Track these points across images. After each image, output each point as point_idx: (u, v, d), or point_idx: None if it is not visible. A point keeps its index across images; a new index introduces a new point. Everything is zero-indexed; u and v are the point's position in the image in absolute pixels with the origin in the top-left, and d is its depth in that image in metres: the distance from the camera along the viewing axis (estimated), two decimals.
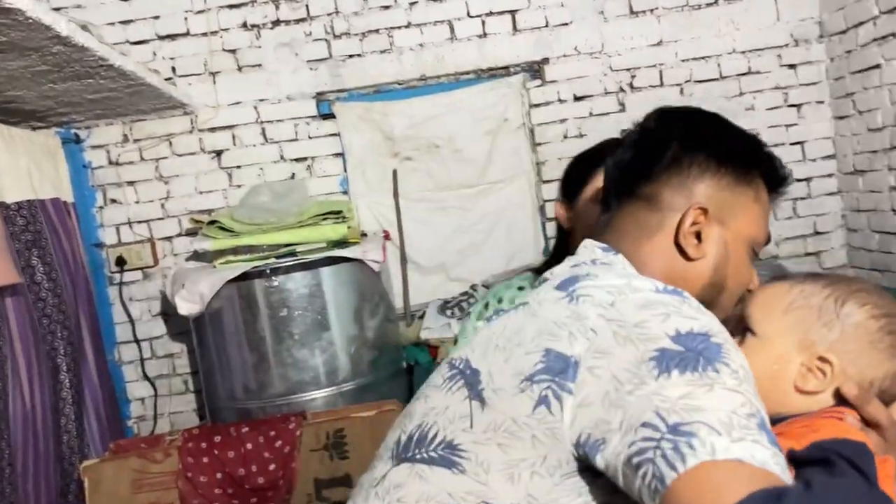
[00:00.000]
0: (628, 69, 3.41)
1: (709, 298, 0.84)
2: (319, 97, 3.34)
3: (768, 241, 0.91)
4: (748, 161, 0.90)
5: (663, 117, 0.93)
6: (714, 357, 0.65)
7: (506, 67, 3.40)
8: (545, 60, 3.40)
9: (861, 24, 3.06)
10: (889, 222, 3.08)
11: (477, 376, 0.76)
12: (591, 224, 1.35)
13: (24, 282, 2.32)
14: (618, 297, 0.73)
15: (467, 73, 3.39)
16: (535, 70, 3.42)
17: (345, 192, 3.37)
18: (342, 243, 2.75)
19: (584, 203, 1.35)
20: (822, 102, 3.43)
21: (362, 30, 3.32)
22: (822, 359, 0.87)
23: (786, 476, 0.60)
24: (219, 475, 2.29)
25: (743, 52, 3.41)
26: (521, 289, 1.45)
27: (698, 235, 0.86)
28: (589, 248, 0.88)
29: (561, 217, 1.39)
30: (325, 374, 2.63)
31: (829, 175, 3.46)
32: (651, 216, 0.88)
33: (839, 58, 3.29)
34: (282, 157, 3.34)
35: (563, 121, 3.43)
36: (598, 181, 1.35)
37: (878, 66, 2.99)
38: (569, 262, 0.88)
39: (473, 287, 3.09)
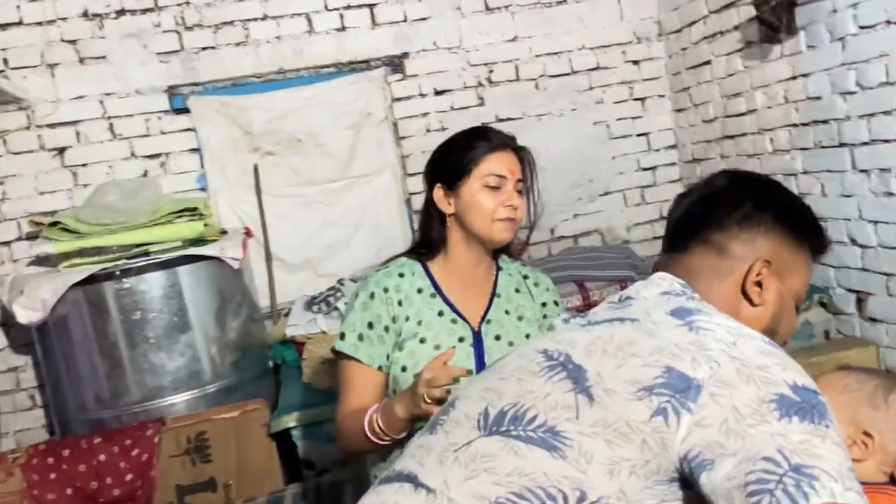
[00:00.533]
0: (486, 64, 3.51)
1: None
2: (172, 91, 3.21)
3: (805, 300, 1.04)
4: (806, 227, 1.02)
5: (736, 178, 1.05)
6: (824, 413, 0.75)
7: (366, 61, 3.41)
8: (405, 55, 3.43)
9: (693, 23, 3.31)
10: None
11: (583, 373, 0.82)
12: (481, 211, 1.39)
13: None
14: (738, 339, 0.81)
15: (327, 66, 3.37)
16: (395, 64, 3.45)
17: (203, 189, 3.26)
18: (199, 241, 2.65)
19: (472, 190, 1.40)
20: (663, 96, 3.68)
21: (215, 21, 3.22)
22: (866, 433, 1.09)
23: None
24: (69, 491, 2.15)
25: (591, 49, 3.60)
26: (401, 276, 1.45)
27: (759, 284, 0.96)
28: (668, 281, 0.96)
29: (442, 201, 1.43)
30: (185, 377, 2.53)
31: (672, 164, 3.72)
32: (721, 263, 0.97)
33: (676, 55, 3.54)
34: (133, 154, 3.18)
35: (425, 114, 3.47)
36: (482, 168, 1.40)
37: (708, 63, 3.25)
38: (655, 287, 0.96)
39: (341, 282, 3.08)
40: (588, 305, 2.49)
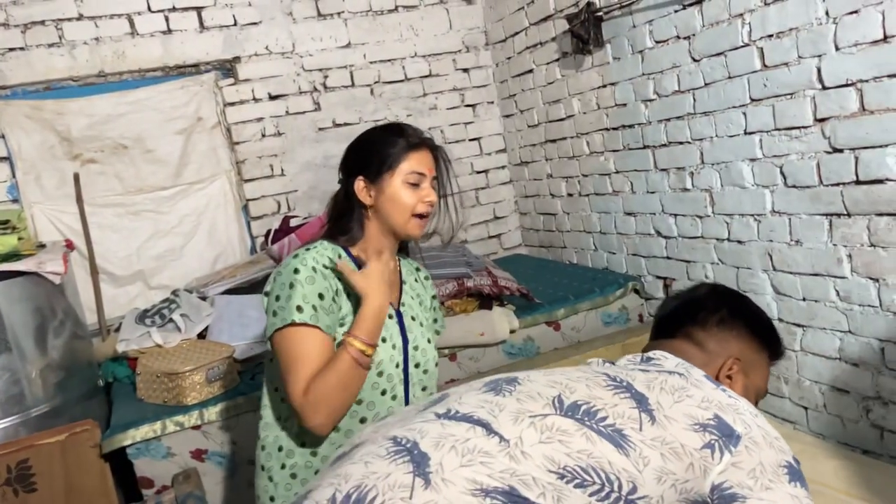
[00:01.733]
0: (321, 69, 3.53)
1: None
2: None
3: (765, 394, 1.28)
4: (769, 336, 1.27)
5: (716, 290, 1.33)
6: (806, 482, 1.01)
7: (195, 65, 3.32)
8: (237, 59, 3.37)
9: (517, 33, 3.53)
10: (549, 205, 3.60)
11: (645, 399, 1.03)
12: (401, 206, 1.46)
13: None
14: (758, 414, 1.06)
15: (153, 70, 3.24)
16: (227, 69, 3.38)
17: (15, 201, 3.02)
18: (13, 256, 2.45)
19: (394, 186, 1.47)
20: (492, 103, 3.89)
21: (24, 21, 2.99)
22: None
23: None
24: None
25: (424, 56, 3.73)
26: (331, 259, 1.46)
27: (730, 377, 1.20)
28: (670, 356, 1.17)
29: (362, 193, 1.49)
30: (2, 402, 2.33)
31: (503, 167, 3.94)
32: (700, 354, 1.21)
33: (502, 63, 3.75)
34: None
35: (259, 119, 3.43)
36: (404, 166, 1.47)
37: (531, 71, 3.47)
38: (667, 356, 1.17)
39: (175, 293, 2.96)
40: None
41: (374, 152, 1.50)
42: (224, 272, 3.18)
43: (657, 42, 2.57)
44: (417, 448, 0.97)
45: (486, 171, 3.90)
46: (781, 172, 2.16)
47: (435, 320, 1.71)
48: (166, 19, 3.23)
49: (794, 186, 2.13)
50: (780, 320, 2.28)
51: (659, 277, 2.86)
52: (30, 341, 2.41)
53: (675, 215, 2.67)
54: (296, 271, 1.41)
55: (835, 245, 2.04)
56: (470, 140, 3.85)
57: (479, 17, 3.81)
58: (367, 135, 1.55)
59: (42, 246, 2.77)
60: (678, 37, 2.46)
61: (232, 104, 3.39)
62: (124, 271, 3.21)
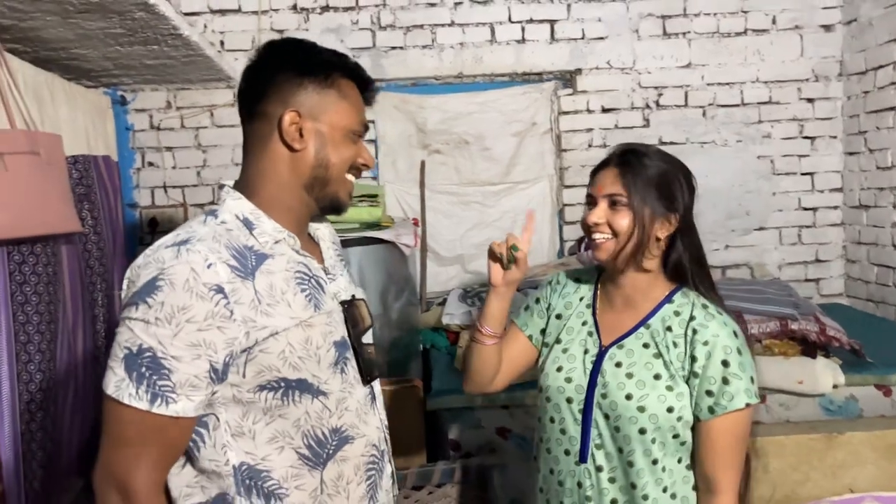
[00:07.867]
0: (656, 87, 3.56)
1: (321, 176, 1.15)
2: None
3: (367, 128, 1.20)
4: (326, 69, 1.14)
5: (267, 49, 1.18)
6: None
7: (539, 74, 3.55)
8: (578, 71, 3.54)
9: (881, 66, 3.23)
10: (888, 256, 3.25)
11: None
12: (585, 232, 1.47)
13: (84, 231, 2.43)
14: None
15: (503, 75, 3.53)
16: (567, 79, 3.57)
17: (374, 178, 3.50)
18: (374, 226, 2.87)
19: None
20: (835, 137, 3.60)
21: (407, 24, 3.45)
22: None
23: None
24: None
25: (765, 83, 3.58)
26: (577, 280, 1.57)
27: (301, 133, 1.12)
28: None
29: None
30: None
31: (835, 207, 3.63)
32: (264, 127, 1.14)
33: (856, 97, 3.45)
34: None
35: (589, 130, 3.57)
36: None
37: (893, 108, 3.16)
38: None
39: None
40: (746, 338, 2.50)
41: None
42: (536, 269, 3.37)
43: None
44: None
45: (814, 210, 3.63)
46: None
47: (709, 392, 1.28)
48: (522, 30, 3.50)
49: None
50: None
51: None
52: (376, 300, 2.79)
53: None
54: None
55: None
56: (802, 174, 3.61)
57: (837, 46, 3.55)
58: None
59: (393, 220, 3.19)
60: None
61: (566, 113, 3.56)
62: (448, 253, 3.56)
